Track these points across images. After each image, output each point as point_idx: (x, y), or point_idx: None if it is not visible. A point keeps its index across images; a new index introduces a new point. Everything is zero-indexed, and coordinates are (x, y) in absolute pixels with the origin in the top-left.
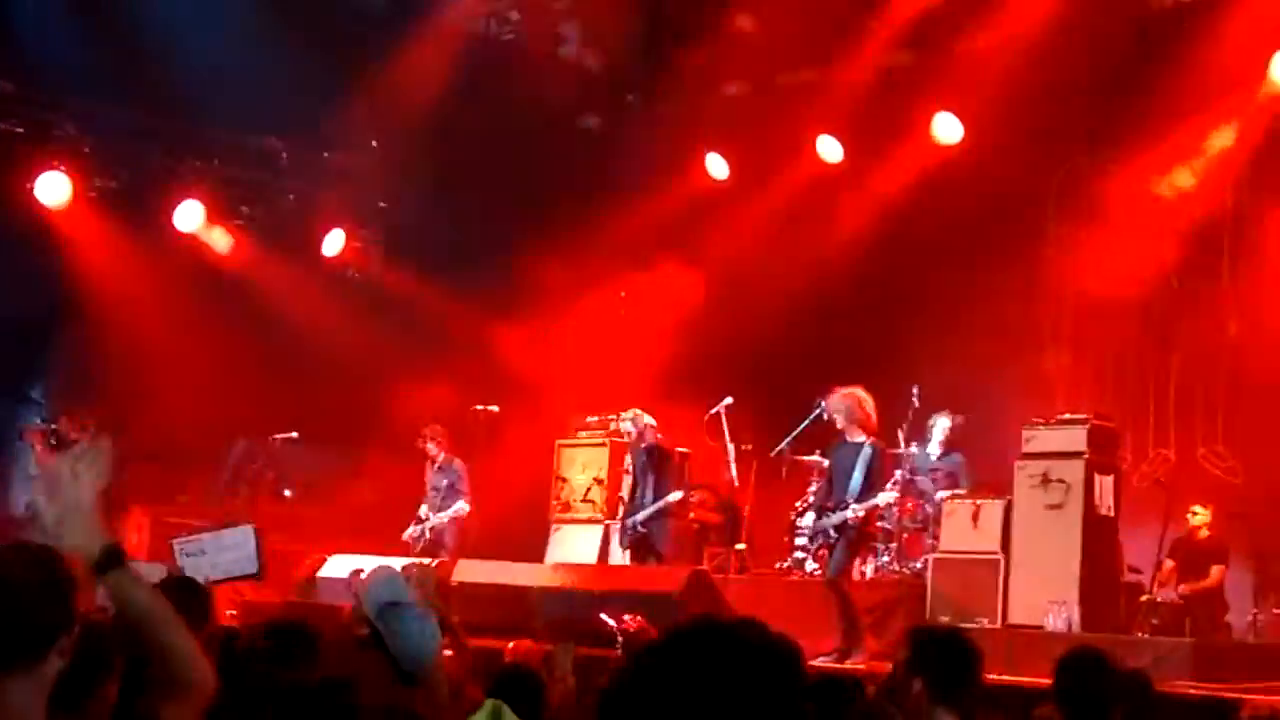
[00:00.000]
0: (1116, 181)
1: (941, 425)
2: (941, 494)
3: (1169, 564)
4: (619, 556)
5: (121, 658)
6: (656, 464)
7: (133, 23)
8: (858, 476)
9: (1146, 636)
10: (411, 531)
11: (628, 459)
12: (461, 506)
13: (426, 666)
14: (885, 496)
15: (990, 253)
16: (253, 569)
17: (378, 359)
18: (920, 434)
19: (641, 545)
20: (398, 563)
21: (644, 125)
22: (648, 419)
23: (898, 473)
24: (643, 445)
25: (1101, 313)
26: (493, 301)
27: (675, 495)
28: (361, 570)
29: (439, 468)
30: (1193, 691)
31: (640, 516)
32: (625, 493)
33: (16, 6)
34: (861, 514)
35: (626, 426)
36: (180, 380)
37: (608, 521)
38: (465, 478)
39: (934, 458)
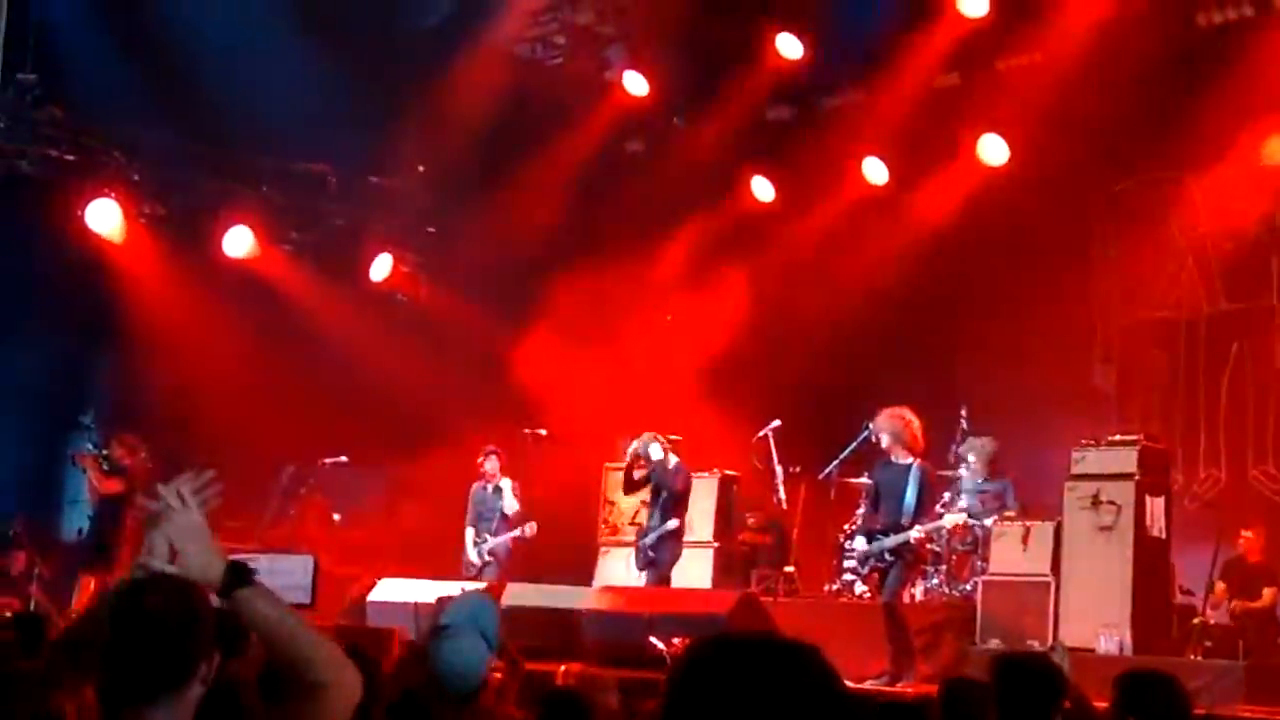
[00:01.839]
0: (1163, 201)
1: (977, 450)
2: (989, 511)
3: (1220, 586)
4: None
5: None
6: (667, 489)
7: (181, 50)
8: (910, 498)
9: (1199, 659)
10: (473, 554)
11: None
12: (529, 526)
13: (471, 689)
14: (952, 519)
15: (1037, 273)
16: (305, 599)
17: (425, 383)
18: (962, 455)
19: (650, 568)
20: (452, 587)
21: (690, 149)
22: (658, 444)
23: (946, 494)
24: (655, 470)
25: (1150, 333)
26: (540, 324)
27: (672, 524)
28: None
29: (495, 488)
30: (1246, 714)
31: (649, 540)
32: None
33: (66, 35)
34: (922, 536)
35: (652, 452)
36: (229, 405)
37: None
38: (519, 498)
39: (980, 480)
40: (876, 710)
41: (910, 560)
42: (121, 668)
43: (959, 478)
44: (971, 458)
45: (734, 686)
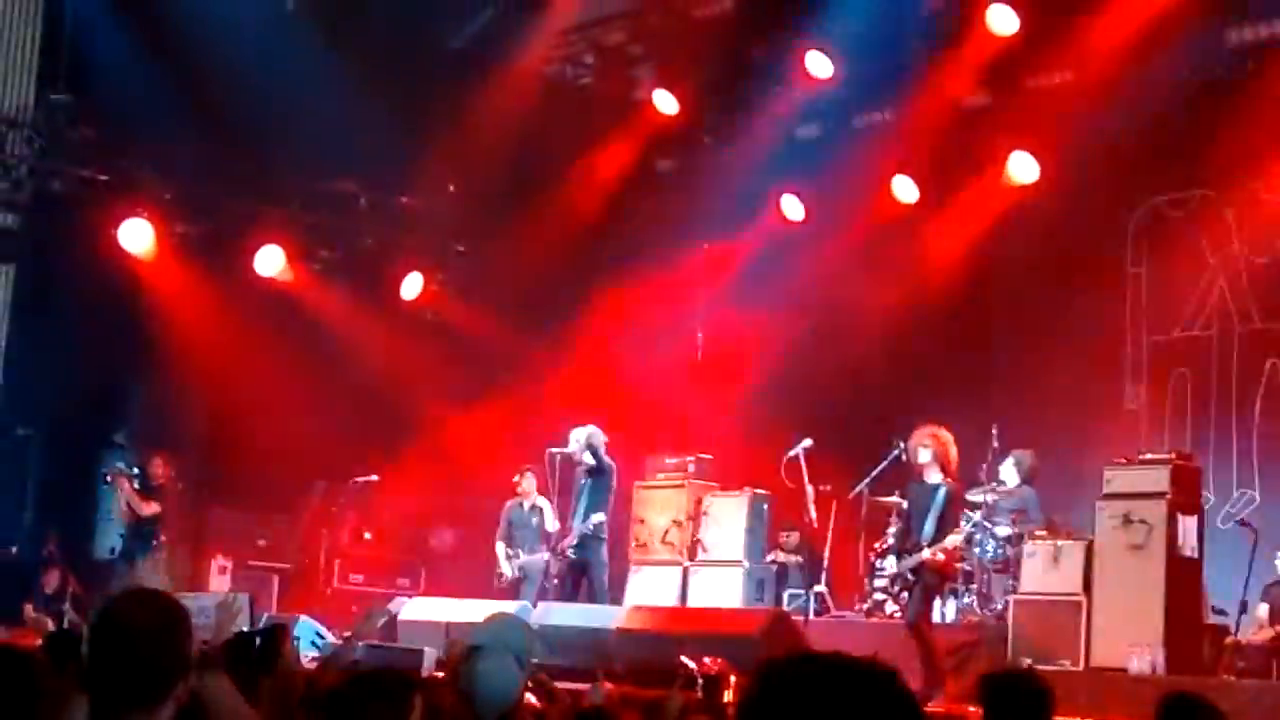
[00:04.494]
0: (1195, 219)
1: (1017, 460)
2: (1015, 527)
3: (1263, 608)
4: (698, 598)
5: None
6: (591, 485)
7: (213, 70)
8: (931, 518)
9: (1233, 679)
10: (506, 568)
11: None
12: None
13: (505, 710)
14: (953, 539)
15: (1068, 292)
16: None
17: (455, 402)
18: (995, 473)
19: (574, 572)
20: (482, 607)
21: (719, 168)
22: (597, 438)
23: (976, 514)
24: (583, 465)
25: (1182, 351)
26: (571, 344)
27: (598, 516)
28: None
29: (533, 507)
30: None
31: (568, 542)
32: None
33: (98, 55)
34: (940, 557)
35: (574, 447)
36: (260, 423)
37: (686, 563)
38: (557, 518)
39: (1008, 494)
40: None
41: (931, 580)
42: (101, 681)
43: (991, 502)
44: (1010, 468)
45: (814, 709)
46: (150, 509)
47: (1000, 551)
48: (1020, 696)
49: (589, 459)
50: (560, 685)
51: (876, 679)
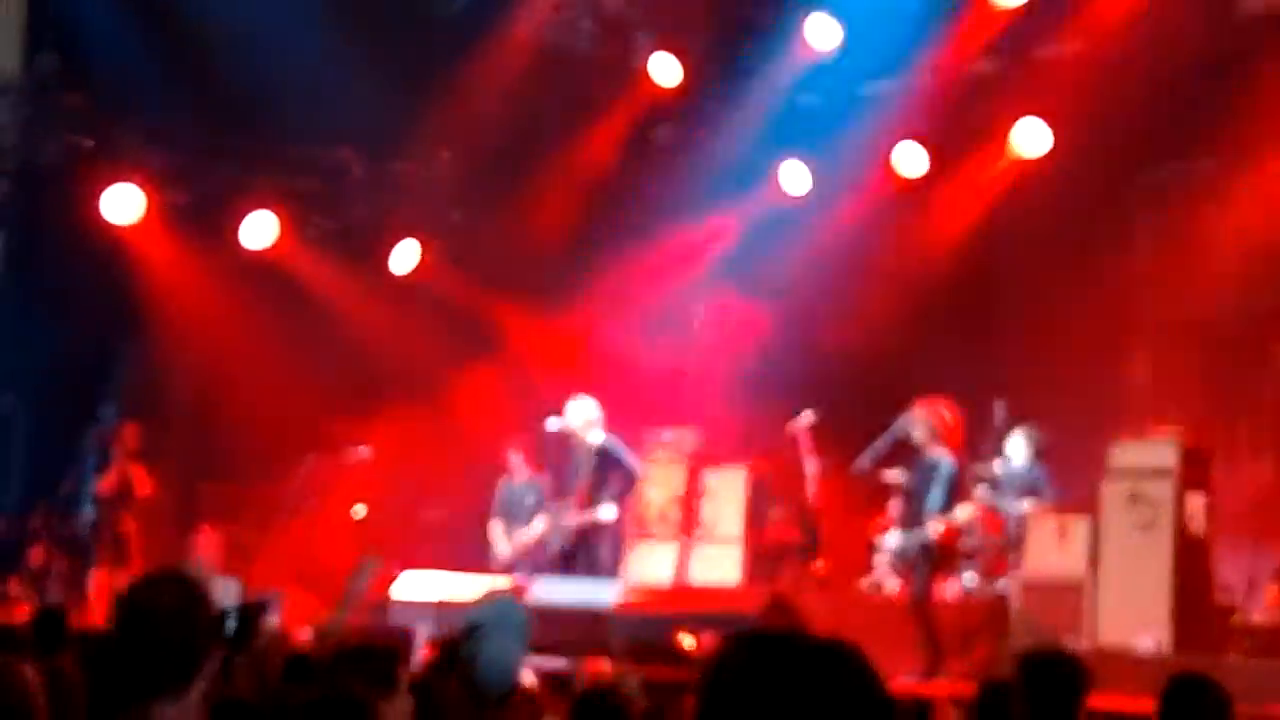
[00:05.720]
0: (1204, 193)
1: (1020, 438)
2: (1024, 504)
3: (1274, 589)
4: (697, 575)
5: None
6: (599, 466)
7: (203, 36)
8: (937, 493)
9: (1240, 659)
10: (503, 547)
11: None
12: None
13: (506, 690)
14: (963, 511)
15: (1074, 265)
16: None
17: (450, 373)
18: (1001, 449)
19: (575, 554)
20: (475, 581)
21: (720, 136)
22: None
23: (978, 488)
24: (587, 442)
25: (1191, 326)
26: (566, 315)
27: (610, 512)
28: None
29: (524, 483)
30: None
31: (569, 522)
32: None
33: (87, 21)
34: (942, 530)
35: (572, 420)
36: (250, 396)
37: (685, 540)
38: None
39: (1015, 470)
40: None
41: (936, 557)
42: (131, 664)
43: (995, 471)
44: (1021, 442)
45: (771, 687)
46: (148, 489)
47: (1005, 528)
48: (1058, 675)
49: (594, 438)
50: (554, 662)
51: (836, 655)
